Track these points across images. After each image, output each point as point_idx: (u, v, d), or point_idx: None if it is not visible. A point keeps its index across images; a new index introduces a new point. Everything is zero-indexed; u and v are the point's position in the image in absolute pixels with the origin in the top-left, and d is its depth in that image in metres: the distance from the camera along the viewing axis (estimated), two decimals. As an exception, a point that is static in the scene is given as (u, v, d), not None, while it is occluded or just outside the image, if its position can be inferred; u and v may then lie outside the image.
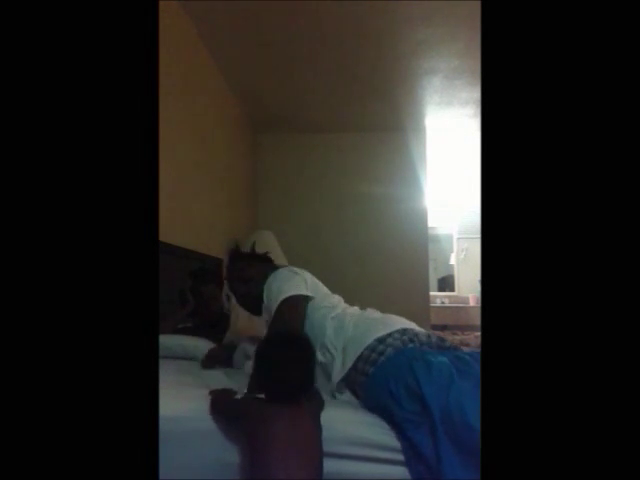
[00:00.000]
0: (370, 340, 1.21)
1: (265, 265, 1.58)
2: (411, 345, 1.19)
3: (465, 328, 5.88)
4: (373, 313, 1.39)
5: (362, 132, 4.26)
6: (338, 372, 1.22)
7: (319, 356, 1.26)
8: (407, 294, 4.00)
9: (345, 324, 1.31)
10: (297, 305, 1.35)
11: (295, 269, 1.48)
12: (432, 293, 5.16)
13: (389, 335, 1.22)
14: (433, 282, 5.90)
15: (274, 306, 1.34)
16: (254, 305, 1.51)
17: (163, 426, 0.85)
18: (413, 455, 0.99)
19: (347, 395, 1.23)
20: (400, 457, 1.01)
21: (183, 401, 1.09)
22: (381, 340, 1.20)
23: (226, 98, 3.35)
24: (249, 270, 1.55)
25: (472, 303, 6.21)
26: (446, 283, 6.55)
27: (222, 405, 1.04)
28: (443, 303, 6.32)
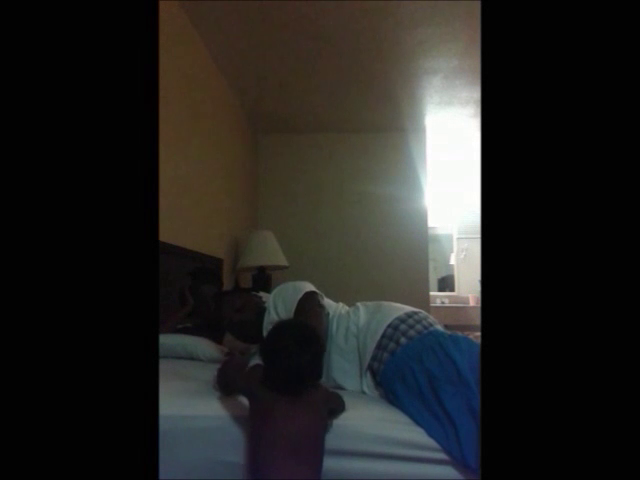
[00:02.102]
0: (390, 319, 1.27)
1: (253, 295, 1.59)
2: (432, 328, 1.25)
3: (465, 328, 5.86)
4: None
5: (362, 132, 4.26)
6: (368, 348, 1.25)
7: (342, 344, 1.31)
8: (407, 294, 4.00)
9: (360, 311, 1.37)
10: (317, 299, 1.41)
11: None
12: (432, 293, 5.16)
13: (408, 316, 1.28)
14: (433, 282, 5.89)
15: (293, 304, 1.36)
16: (249, 332, 1.51)
17: (163, 425, 0.85)
18: (445, 424, 1.01)
19: (374, 392, 1.25)
20: (429, 455, 1.00)
21: (183, 400, 1.09)
22: (402, 319, 1.27)
23: (226, 98, 3.35)
24: (239, 300, 1.54)
25: (472, 303, 6.20)
26: (446, 283, 6.54)
27: (228, 376, 1.04)
28: (443, 303, 6.31)
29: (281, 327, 1.03)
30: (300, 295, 1.38)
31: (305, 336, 0.99)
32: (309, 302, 1.38)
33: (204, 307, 2.05)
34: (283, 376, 0.95)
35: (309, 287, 1.43)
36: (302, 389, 0.96)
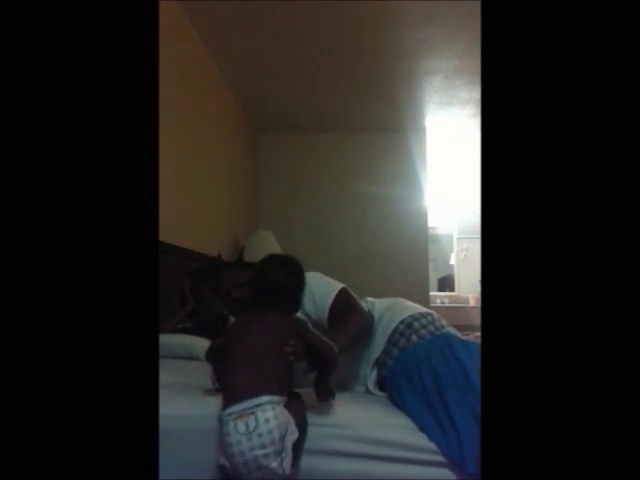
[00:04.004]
0: (404, 315, 1.27)
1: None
2: (444, 330, 1.24)
3: (465, 328, 5.84)
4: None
5: (362, 132, 4.26)
6: (379, 341, 1.25)
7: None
8: (407, 294, 3.97)
9: (375, 306, 1.36)
10: (352, 295, 1.34)
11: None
12: (432, 293, 5.16)
13: (422, 315, 1.27)
14: (433, 282, 5.89)
15: (327, 300, 1.28)
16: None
17: (163, 425, 0.85)
18: (448, 430, 1.00)
19: (378, 391, 1.25)
20: (427, 457, 1.00)
21: (183, 401, 1.09)
22: (415, 318, 1.26)
23: (226, 98, 3.35)
24: (240, 275, 1.42)
25: (472, 303, 6.20)
26: (446, 283, 6.54)
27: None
28: (443, 303, 6.30)
29: (272, 256, 1.20)
30: (336, 292, 1.30)
31: (290, 263, 1.15)
32: (348, 297, 1.31)
33: (203, 307, 2.05)
34: (268, 287, 1.09)
35: (336, 284, 1.36)
36: (281, 302, 1.08)
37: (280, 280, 1.09)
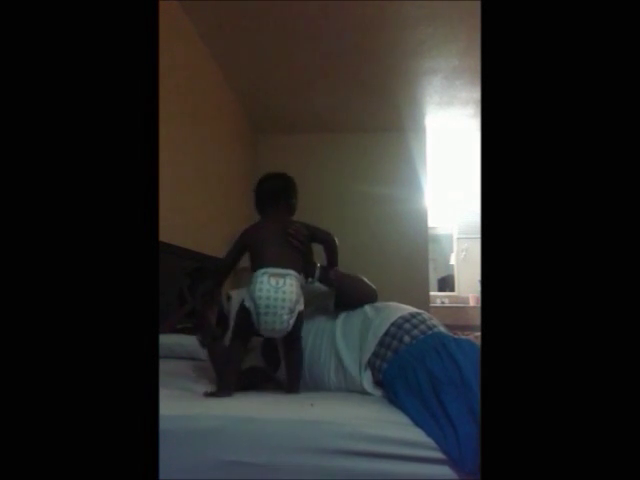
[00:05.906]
0: (394, 317, 1.28)
1: None
2: (436, 329, 1.25)
3: (465, 328, 5.85)
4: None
5: (362, 132, 4.26)
6: (370, 343, 1.26)
7: (346, 335, 1.32)
8: (407, 294, 3.99)
9: (365, 307, 1.38)
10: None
11: None
12: (432, 293, 5.16)
13: (412, 316, 1.29)
14: (433, 282, 5.89)
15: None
16: None
17: (163, 425, 0.85)
18: (445, 426, 1.00)
19: (375, 390, 1.24)
20: (426, 454, 0.99)
21: (183, 401, 1.09)
22: (406, 319, 1.27)
23: (226, 98, 3.35)
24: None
25: (472, 303, 6.20)
26: (446, 283, 6.54)
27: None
28: (443, 303, 6.30)
29: (268, 173, 1.46)
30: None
31: (282, 175, 1.42)
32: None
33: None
34: (268, 192, 1.36)
35: None
36: (274, 202, 1.33)
37: (277, 187, 1.36)
